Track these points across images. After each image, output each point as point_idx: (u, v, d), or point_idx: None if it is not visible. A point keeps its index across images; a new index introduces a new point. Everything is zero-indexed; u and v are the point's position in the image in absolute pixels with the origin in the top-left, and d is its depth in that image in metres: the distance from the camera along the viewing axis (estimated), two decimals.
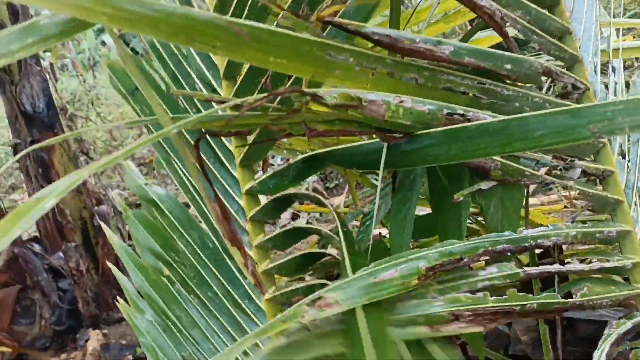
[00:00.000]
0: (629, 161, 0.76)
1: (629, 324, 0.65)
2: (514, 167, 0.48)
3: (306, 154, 0.52)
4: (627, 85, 0.91)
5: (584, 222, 0.62)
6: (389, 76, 0.41)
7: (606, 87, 0.76)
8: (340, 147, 0.48)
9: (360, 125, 0.42)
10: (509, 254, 0.46)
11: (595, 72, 0.71)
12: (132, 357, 1.58)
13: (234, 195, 0.71)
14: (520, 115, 0.41)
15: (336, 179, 2.69)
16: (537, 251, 0.87)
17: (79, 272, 1.71)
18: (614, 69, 0.79)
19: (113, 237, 1.05)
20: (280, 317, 0.37)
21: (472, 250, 0.44)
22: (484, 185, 0.48)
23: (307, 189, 2.69)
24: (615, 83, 0.82)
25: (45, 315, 1.75)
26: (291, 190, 0.67)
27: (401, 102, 0.42)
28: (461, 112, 0.45)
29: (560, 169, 0.68)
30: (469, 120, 0.44)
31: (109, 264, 1.15)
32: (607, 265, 0.61)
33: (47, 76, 1.76)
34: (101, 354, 1.61)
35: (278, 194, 0.65)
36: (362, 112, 0.40)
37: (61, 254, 1.78)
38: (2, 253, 1.68)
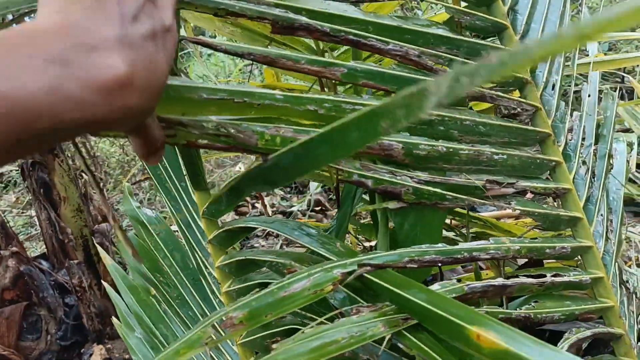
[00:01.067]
0: (593, 177, 0.76)
1: (587, 332, 0.66)
2: (432, 191, 0.49)
3: (228, 183, 0.53)
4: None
5: (535, 238, 0.63)
6: (281, 107, 0.43)
7: (567, 103, 0.77)
8: (251, 169, 0.49)
9: (244, 146, 0.43)
10: (439, 264, 0.47)
11: (553, 89, 0.72)
12: None
13: (197, 219, 0.74)
14: (340, 122, 0.41)
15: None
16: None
17: (82, 289, 1.75)
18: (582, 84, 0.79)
19: (107, 258, 1.09)
20: (185, 340, 0.38)
21: (395, 260, 0.44)
22: (392, 205, 0.49)
23: (310, 200, 2.71)
24: (588, 97, 0.83)
25: (52, 330, 1.79)
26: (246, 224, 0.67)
27: (277, 131, 0.43)
28: None
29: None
30: (370, 148, 0.45)
31: (105, 284, 1.19)
32: (559, 280, 0.61)
33: None
34: None
35: (228, 227, 0.66)
36: (235, 140, 0.41)
37: (66, 271, 1.82)
38: (7, 271, 1.73)
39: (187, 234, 0.80)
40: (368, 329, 0.39)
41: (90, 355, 1.74)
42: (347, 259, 0.44)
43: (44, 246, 1.99)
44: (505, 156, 0.58)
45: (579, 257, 0.70)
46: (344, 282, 0.40)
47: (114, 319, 1.16)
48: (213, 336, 0.37)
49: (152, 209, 1.01)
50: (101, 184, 4.02)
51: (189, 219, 0.76)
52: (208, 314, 0.82)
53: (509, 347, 0.34)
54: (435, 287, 0.50)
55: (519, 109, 0.62)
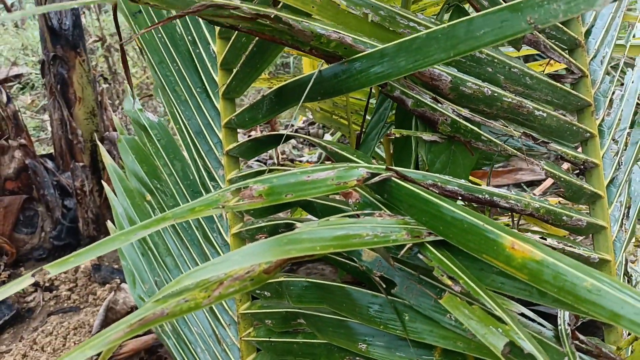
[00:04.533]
0: (622, 158, 0.74)
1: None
2: (469, 127, 0.47)
3: (276, 86, 0.51)
4: None
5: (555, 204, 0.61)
6: (340, 12, 0.40)
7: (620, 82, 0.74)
8: (302, 76, 0.47)
9: (292, 40, 0.41)
10: (459, 198, 0.45)
11: (601, 62, 0.69)
12: (119, 281, 1.63)
13: (214, 127, 0.72)
14: (466, 17, 0.39)
15: None
16: None
17: (83, 192, 1.75)
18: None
19: (107, 158, 1.08)
20: (203, 199, 0.37)
21: (419, 178, 0.43)
22: (426, 137, 0.47)
23: (321, 154, 2.68)
24: (631, 82, 0.79)
25: (47, 228, 1.81)
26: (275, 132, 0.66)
27: (336, 35, 0.41)
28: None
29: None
30: (421, 74, 0.42)
31: (105, 184, 1.18)
32: (569, 249, 0.60)
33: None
34: (92, 273, 1.67)
35: (259, 136, 0.65)
36: (291, 32, 0.39)
37: (70, 173, 1.83)
38: (13, 161, 1.73)
39: (195, 142, 0.78)
40: (392, 232, 0.37)
41: None
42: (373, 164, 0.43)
43: (52, 150, 1.99)
44: (545, 114, 0.55)
45: (590, 236, 0.69)
46: (369, 182, 0.39)
47: (108, 223, 1.16)
48: (231, 202, 0.36)
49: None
50: (117, 101, 4.00)
51: (202, 126, 0.74)
52: (205, 226, 0.81)
53: (545, 257, 0.32)
54: None
55: (566, 71, 0.59)
